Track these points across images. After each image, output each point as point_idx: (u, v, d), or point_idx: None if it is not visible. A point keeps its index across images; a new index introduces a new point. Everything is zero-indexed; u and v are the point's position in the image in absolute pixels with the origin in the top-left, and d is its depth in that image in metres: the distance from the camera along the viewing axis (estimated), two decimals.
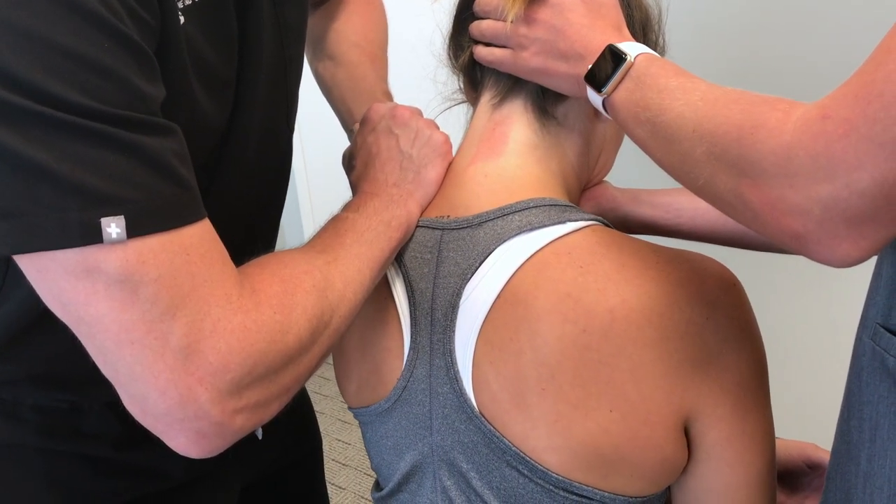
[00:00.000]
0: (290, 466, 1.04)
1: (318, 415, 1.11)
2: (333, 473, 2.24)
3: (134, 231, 0.50)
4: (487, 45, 0.77)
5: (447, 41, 0.84)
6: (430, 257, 0.73)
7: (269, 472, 1.01)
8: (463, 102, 0.85)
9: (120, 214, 0.49)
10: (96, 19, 0.49)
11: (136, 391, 0.54)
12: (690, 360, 0.64)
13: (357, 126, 0.86)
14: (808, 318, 1.72)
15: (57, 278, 0.51)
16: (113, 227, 0.49)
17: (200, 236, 0.54)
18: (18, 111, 0.47)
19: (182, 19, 0.59)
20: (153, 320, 0.51)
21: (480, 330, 0.68)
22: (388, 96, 0.97)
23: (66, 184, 0.48)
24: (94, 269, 0.50)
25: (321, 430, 1.12)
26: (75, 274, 0.50)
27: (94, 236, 0.49)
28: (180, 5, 0.60)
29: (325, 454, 1.12)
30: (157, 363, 0.52)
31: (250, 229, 0.83)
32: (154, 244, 0.51)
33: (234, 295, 0.55)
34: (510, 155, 0.75)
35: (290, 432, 1.01)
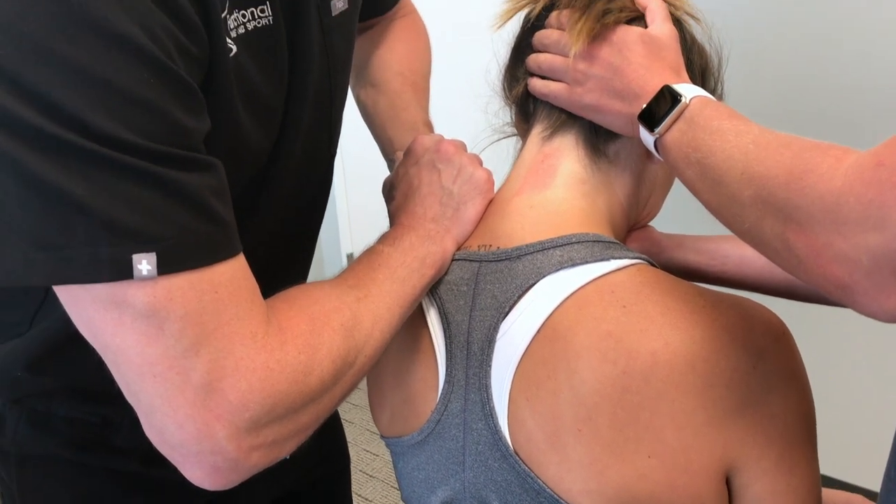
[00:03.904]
0: (317, 482, 1.03)
1: (346, 424, 1.10)
2: (360, 485, 2.23)
3: (164, 269, 0.50)
4: (543, 78, 0.76)
5: (503, 72, 0.83)
6: (467, 289, 0.72)
7: (297, 488, 1.01)
8: (513, 136, 0.84)
9: (152, 252, 0.50)
10: (144, 55, 0.49)
11: (155, 421, 0.54)
12: (735, 409, 0.62)
13: (398, 155, 0.85)
14: (858, 368, 1.69)
15: (87, 307, 0.52)
16: (144, 263, 0.49)
17: (231, 273, 0.54)
18: (59, 143, 0.47)
19: (234, 49, 0.60)
20: (176, 356, 0.52)
21: (518, 366, 0.67)
22: (429, 127, 0.96)
23: (100, 219, 0.48)
24: (123, 303, 0.50)
25: (350, 439, 1.11)
26: (104, 305, 0.51)
27: (124, 272, 0.49)
28: (233, 34, 0.60)
29: (352, 465, 1.12)
30: (178, 398, 0.52)
31: (288, 250, 0.83)
32: (183, 282, 0.51)
33: (260, 333, 0.55)
34: (557, 188, 0.74)
35: (318, 450, 1.01)
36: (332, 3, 0.74)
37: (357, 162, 2.61)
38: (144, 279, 0.50)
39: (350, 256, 2.81)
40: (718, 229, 0.65)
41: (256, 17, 0.63)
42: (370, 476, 2.28)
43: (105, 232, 0.49)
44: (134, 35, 0.49)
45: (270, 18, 0.64)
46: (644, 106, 0.66)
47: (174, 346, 0.51)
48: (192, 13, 0.53)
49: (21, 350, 0.75)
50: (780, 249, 0.52)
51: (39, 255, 0.49)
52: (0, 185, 0.49)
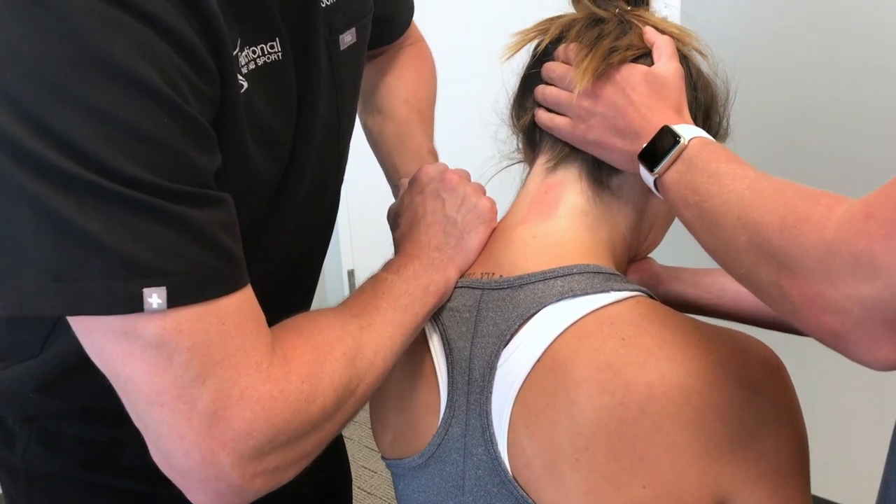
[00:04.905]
0: (318, 501, 1.04)
1: (345, 441, 1.12)
2: (358, 502, 2.24)
3: (174, 302, 0.52)
4: (549, 110, 0.78)
5: (511, 101, 0.85)
6: (469, 316, 0.74)
7: None
8: (520, 162, 0.86)
9: (162, 286, 0.51)
10: (158, 96, 0.51)
11: (162, 447, 0.56)
12: (728, 442, 0.63)
13: (403, 182, 0.87)
14: (852, 392, 1.70)
15: (98, 336, 0.54)
16: (154, 297, 0.51)
17: (238, 305, 0.56)
18: (75, 180, 0.49)
19: (245, 85, 0.61)
20: (183, 385, 0.53)
21: (518, 394, 0.69)
22: (434, 154, 0.98)
23: (114, 254, 0.50)
24: (133, 334, 0.52)
25: (348, 455, 1.13)
26: (115, 336, 0.53)
27: (136, 305, 0.51)
28: (244, 70, 0.62)
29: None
30: (184, 426, 0.54)
31: (294, 276, 0.85)
32: (191, 314, 0.53)
33: (265, 364, 0.57)
34: (560, 219, 0.75)
35: (320, 472, 1.02)
36: (340, 37, 0.76)
37: (359, 180, 2.62)
38: (155, 312, 0.52)
39: (351, 273, 2.82)
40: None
41: (266, 52, 0.65)
42: (368, 493, 2.28)
43: (118, 267, 0.50)
44: (149, 77, 0.51)
45: (280, 54, 0.66)
46: (644, 145, 0.68)
47: (182, 376, 0.53)
48: (204, 54, 0.55)
49: (33, 372, 0.77)
50: (775, 296, 0.53)
51: (54, 287, 0.51)
52: (16, 219, 0.50)
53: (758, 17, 1.67)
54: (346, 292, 2.82)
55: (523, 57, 0.84)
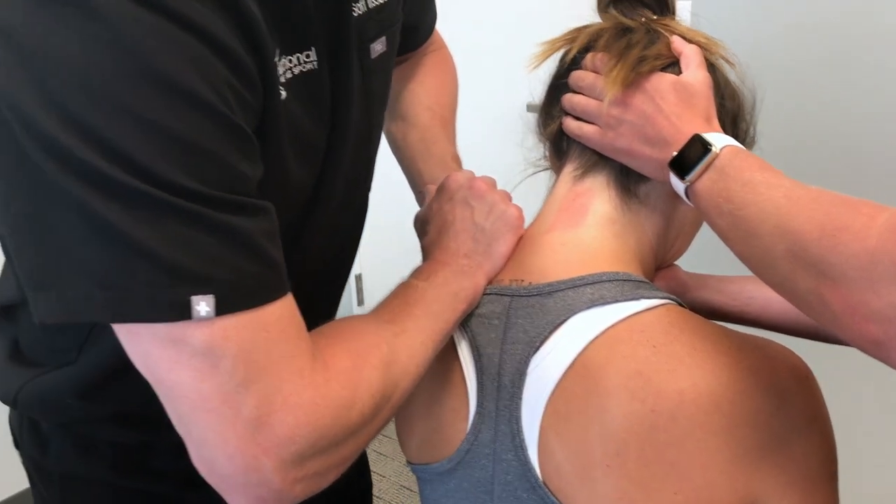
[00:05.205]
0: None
1: None
2: None
3: (221, 310, 0.53)
4: (577, 118, 0.79)
5: (538, 109, 0.85)
6: (498, 323, 0.75)
7: None
8: (547, 169, 0.86)
9: (210, 294, 0.52)
10: (205, 106, 0.52)
11: (205, 453, 0.56)
12: (758, 448, 0.64)
13: (430, 188, 0.88)
14: (882, 403, 1.70)
15: (144, 342, 0.54)
16: (202, 305, 0.52)
17: (280, 313, 0.57)
18: (124, 188, 0.50)
19: (284, 94, 0.62)
20: (229, 392, 0.54)
21: (548, 400, 0.69)
22: (458, 160, 0.99)
23: (162, 262, 0.51)
24: (180, 341, 0.53)
25: (368, 459, 1.13)
26: (162, 343, 0.53)
27: (184, 313, 0.52)
28: (282, 80, 0.62)
29: None
30: (228, 431, 0.54)
31: (326, 282, 0.86)
32: (238, 322, 0.54)
33: (307, 370, 0.57)
34: (588, 227, 0.76)
35: (344, 474, 1.03)
36: (371, 46, 0.77)
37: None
38: (202, 319, 0.52)
39: (359, 277, 2.82)
40: (739, 268, 0.67)
41: (302, 62, 0.66)
42: (377, 497, 2.28)
43: (166, 275, 0.51)
44: (196, 86, 0.51)
45: (315, 63, 0.67)
46: (675, 154, 0.68)
47: (227, 382, 0.54)
48: (249, 64, 0.56)
49: (71, 377, 0.78)
50: (815, 304, 0.53)
51: (102, 294, 0.51)
52: (64, 226, 0.51)
53: (767, 19, 1.67)
54: (354, 296, 2.82)
55: (549, 66, 0.85)
